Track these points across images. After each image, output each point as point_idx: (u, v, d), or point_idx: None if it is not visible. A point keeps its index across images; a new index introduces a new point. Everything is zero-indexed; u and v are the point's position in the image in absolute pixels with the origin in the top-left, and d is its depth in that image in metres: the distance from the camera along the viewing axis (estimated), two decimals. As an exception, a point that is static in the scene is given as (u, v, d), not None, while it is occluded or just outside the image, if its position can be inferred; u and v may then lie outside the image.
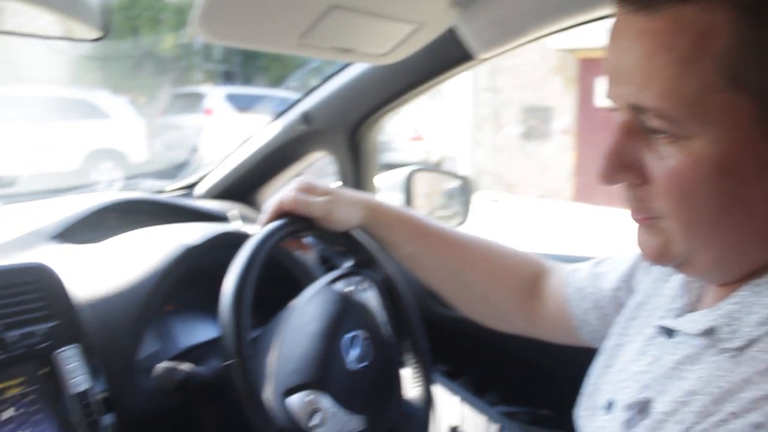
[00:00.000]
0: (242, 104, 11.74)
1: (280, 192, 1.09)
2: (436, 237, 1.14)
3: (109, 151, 10.81)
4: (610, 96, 0.70)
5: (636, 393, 0.75)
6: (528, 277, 1.15)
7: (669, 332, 0.76)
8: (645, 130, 0.67)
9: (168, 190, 1.94)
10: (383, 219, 1.13)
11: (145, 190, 1.89)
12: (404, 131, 12.19)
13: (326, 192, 1.08)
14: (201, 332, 1.33)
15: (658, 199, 0.68)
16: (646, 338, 0.82)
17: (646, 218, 0.71)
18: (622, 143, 0.69)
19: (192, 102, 12.67)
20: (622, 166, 0.69)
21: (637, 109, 0.66)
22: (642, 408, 0.73)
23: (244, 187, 1.90)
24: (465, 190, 1.93)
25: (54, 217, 1.41)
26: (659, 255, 0.72)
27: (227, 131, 9.68)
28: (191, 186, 1.95)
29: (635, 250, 0.98)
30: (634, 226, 0.76)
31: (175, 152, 11.50)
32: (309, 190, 1.07)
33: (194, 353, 1.19)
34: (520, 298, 1.14)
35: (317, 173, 2.19)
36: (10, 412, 0.90)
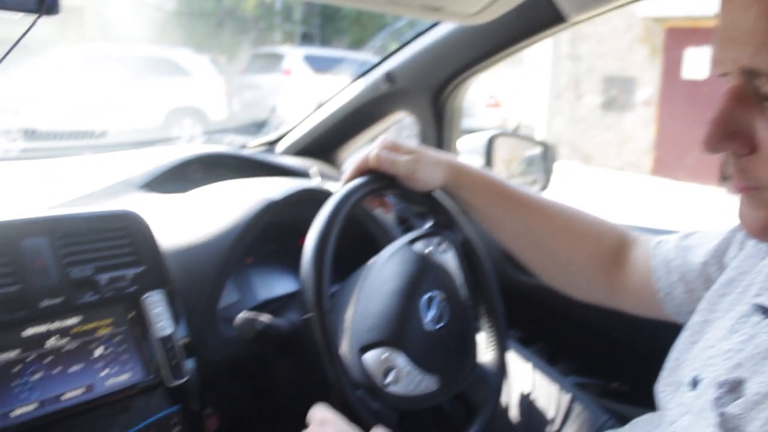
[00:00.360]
0: (320, 66, 11.76)
1: (365, 149, 1.08)
2: (520, 201, 1.12)
3: (190, 109, 11.02)
4: (718, 60, 0.66)
5: (727, 371, 0.72)
6: (612, 247, 1.12)
7: (765, 311, 0.73)
8: (757, 96, 0.63)
9: (250, 146, 1.96)
10: (466, 181, 1.11)
11: (227, 145, 1.92)
12: (481, 98, 12.01)
13: (411, 151, 1.07)
14: (279, 286, 1.36)
15: (766, 168, 0.64)
16: (738, 316, 0.79)
17: (750, 188, 0.68)
18: (731, 109, 0.65)
19: (271, 62, 12.78)
20: (729, 133, 0.65)
21: (750, 74, 0.62)
22: (733, 387, 0.70)
23: (324, 145, 1.91)
24: (547, 157, 1.89)
25: (142, 168, 1.45)
26: (763, 228, 0.68)
27: (304, 92, 9.74)
28: (272, 143, 1.97)
29: (726, 226, 0.94)
30: (731, 200, 0.72)
31: (252, 111, 11.66)
32: (394, 148, 1.06)
33: (271, 306, 1.21)
34: (603, 268, 1.11)
35: (398, 134, 2.17)
36: (100, 350, 0.94)
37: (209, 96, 11.28)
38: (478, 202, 1.12)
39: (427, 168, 1.07)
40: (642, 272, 1.06)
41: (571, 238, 1.12)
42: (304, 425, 0.85)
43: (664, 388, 0.88)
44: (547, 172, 1.90)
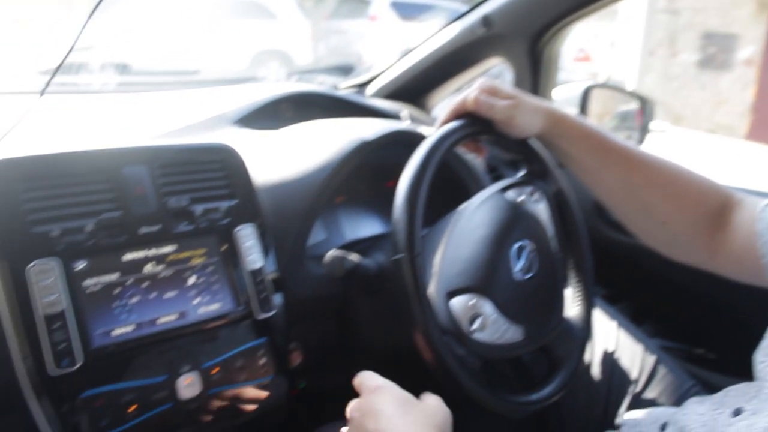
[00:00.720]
0: (408, 12, 11.57)
1: (461, 93, 1.05)
2: (619, 153, 1.07)
3: (276, 52, 11.06)
4: None
5: None
6: (715, 207, 1.06)
7: None
8: None
9: (340, 88, 1.95)
10: (565, 129, 1.07)
11: (318, 85, 1.91)
12: (570, 51, 11.66)
13: (510, 96, 1.04)
14: (366, 227, 1.36)
15: None
16: None
17: None
18: None
19: (357, 7, 12.67)
20: None
21: None
22: None
23: (414, 89, 1.88)
24: (644, 112, 1.81)
25: (235, 104, 1.47)
26: None
27: (390, 39, 9.64)
28: (362, 85, 1.95)
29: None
30: None
31: (338, 56, 11.63)
32: (492, 92, 1.03)
33: (358, 247, 1.21)
34: (703, 228, 1.06)
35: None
36: (193, 279, 0.96)
37: (295, 39, 11.28)
38: (576, 153, 1.08)
39: (526, 114, 1.04)
40: (746, 236, 1.00)
41: (671, 195, 1.07)
42: (384, 367, 0.84)
43: (763, 358, 0.84)
44: (643, 129, 1.82)
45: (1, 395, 0.84)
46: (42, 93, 0.98)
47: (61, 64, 0.98)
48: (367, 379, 0.83)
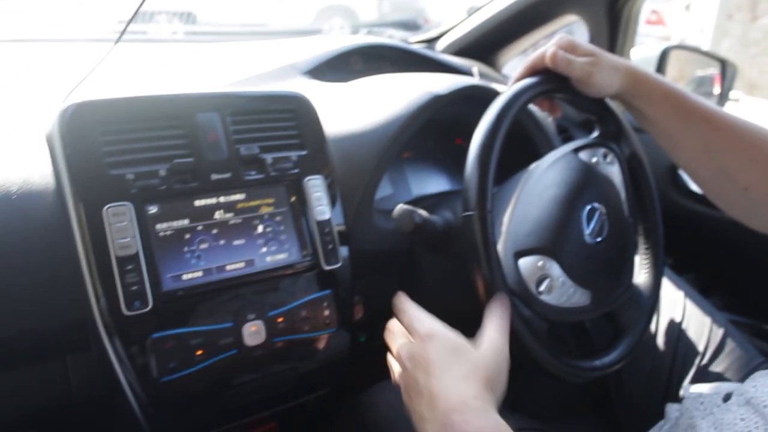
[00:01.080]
0: (474, -32, 11.35)
1: (538, 48, 1.02)
2: (702, 116, 1.02)
3: (340, 7, 10.98)
4: None
5: None
6: None
7: None
8: None
9: (411, 41, 1.92)
10: (645, 89, 1.03)
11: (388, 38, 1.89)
12: (643, 13, 11.26)
13: (588, 52, 1.00)
14: (432, 183, 1.35)
15: None
16: None
17: None
18: None
19: (424, -37, 12.47)
20: None
21: None
22: None
23: (485, 46, 1.84)
24: (726, 76, 1.74)
25: (305, 55, 1.46)
26: None
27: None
28: (432, 40, 1.92)
29: None
30: None
31: (402, 13, 11.49)
32: (570, 47, 1.00)
33: (424, 203, 1.20)
34: None
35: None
36: (261, 228, 0.97)
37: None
38: (655, 114, 1.04)
39: (605, 72, 1.00)
40: None
41: (754, 161, 1.02)
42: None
43: None
44: (723, 95, 1.75)
45: (78, 332, 0.86)
46: (117, 40, 0.98)
47: (136, 13, 0.99)
48: (418, 321, 0.81)
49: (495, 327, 0.80)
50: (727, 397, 0.91)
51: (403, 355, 0.79)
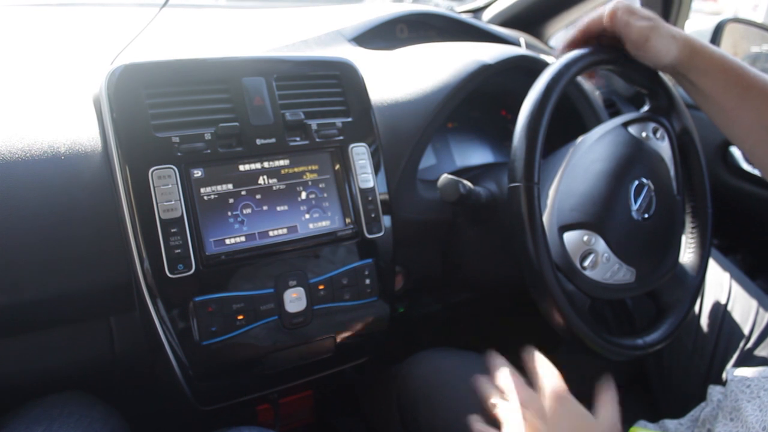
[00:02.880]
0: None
1: (596, 10, 1.00)
2: (760, 91, 0.99)
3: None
4: None
5: None
6: None
7: None
8: None
9: (457, 11, 1.89)
10: (702, 62, 0.99)
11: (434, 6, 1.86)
12: (694, -12, 10.95)
13: (647, 17, 0.97)
14: (477, 155, 1.33)
15: None
16: None
17: None
18: None
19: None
20: None
21: None
22: None
23: (533, 17, 1.81)
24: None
25: (351, 22, 1.44)
26: None
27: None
28: (478, 10, 1.89)
29: None
30: None
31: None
32: (629, 11, 0.97)
33: (468, 174, 1.18)
34: None
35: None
36: (304, 195, 0.96)
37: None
38: (712, 88, 1.01)
39: (662, 39, 0.97)
40: None
41: None
42: (483, 297, 0.82)
43: None
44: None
45: (123, 293, 0.87)
46: (164, 5, 0.98)
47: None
48: (553, 382, 0.82)
49: (612, 406, 0.81)
50: None
51: (531, 405, 0.80)
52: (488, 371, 0.91)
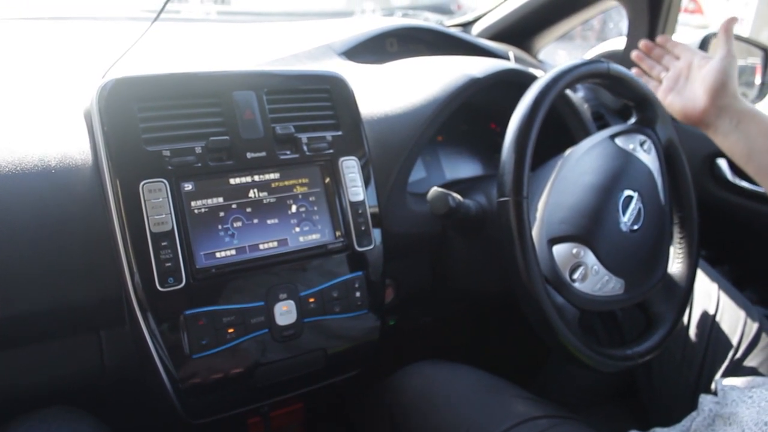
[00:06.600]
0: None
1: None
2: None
3: (372, -9, 10.96)
4: None
5: None
6: None
7: None
8: None
9: (447, 25, 1.91)
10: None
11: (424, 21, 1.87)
12: (681, 2, 11.02)
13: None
14: (466, 167, 1.34)
15: None
16: None
17: None
18: None
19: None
20: None
21: None
22: None
23: (522, 31, 1.82)
24: (768, 66, 1.69)
25: (341, 36, 1.45)
26: None
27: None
28: (467, 24, 1.90)
29: None
30: None
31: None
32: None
33: (457, 187, 1.19)
34: None
35: (600, 26, 2.04)
36: (295, 208, 0.96)
37: (391, -22, 11.11)
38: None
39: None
40: None
41: None
42: (474, 309, 0.82)
43: None
44: (766, 83, 1.71)
45: (111, 308, 0.87)
46: (155, 19, 0.99)
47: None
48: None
49: None
50: None
51: None
52: (480, 385, 0.91)
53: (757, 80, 1.70)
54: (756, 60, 1.75)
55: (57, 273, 0.83)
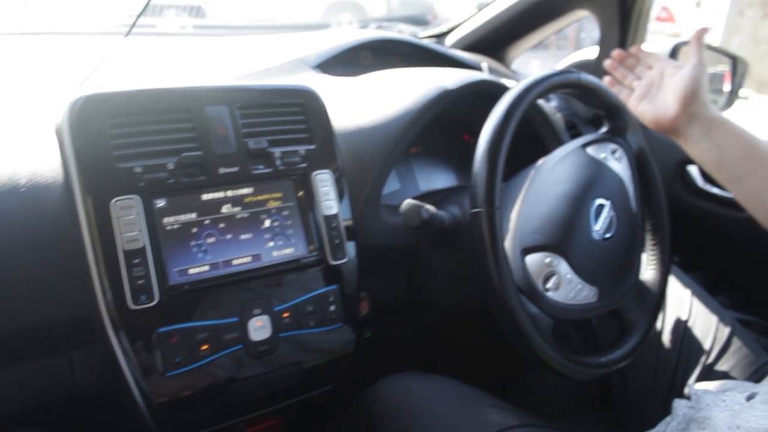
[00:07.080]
0: (484, -36, 11.27)
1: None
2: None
3: (349, 3, 10.97)
4: None
5: None
6: None
7: None
8: None
9: (420, 36, 1.92)
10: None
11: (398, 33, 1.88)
12: (653, 10, 11.17)
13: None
14: (440, 179, 1.35)
15: None
16: None
17: None
18: None
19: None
20: None
21: None
22: None
23: (495, 41, 1.84)
24: (737, 73, 1.72)
25: (315, 49, 1.45)
26: None
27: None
28: (441, 36, 1.92)
29: None
30: None
31: (409, 9, 11.46)
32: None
33: (431, 199, 1.20)
34: None
35: (575, 35, 2.07)
36: (268, 222, 0.96)
37: (368, -10, 11.15)
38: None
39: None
40: None
41: None
42: (450, 320, 0.83)
43: None
44: (733, 93, 1.74)
45: (83, 326, 0.86)
46: (127, 33, 0.98)
47: (146, 6, 0.99)
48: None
49: None
50: (751, 396, 0.90)
51: None
52: (457, 395, 0.91)
53: (726, 87, 1.72)
54: (725, 68, 1.78)
55: (27, 292, 0.83)
